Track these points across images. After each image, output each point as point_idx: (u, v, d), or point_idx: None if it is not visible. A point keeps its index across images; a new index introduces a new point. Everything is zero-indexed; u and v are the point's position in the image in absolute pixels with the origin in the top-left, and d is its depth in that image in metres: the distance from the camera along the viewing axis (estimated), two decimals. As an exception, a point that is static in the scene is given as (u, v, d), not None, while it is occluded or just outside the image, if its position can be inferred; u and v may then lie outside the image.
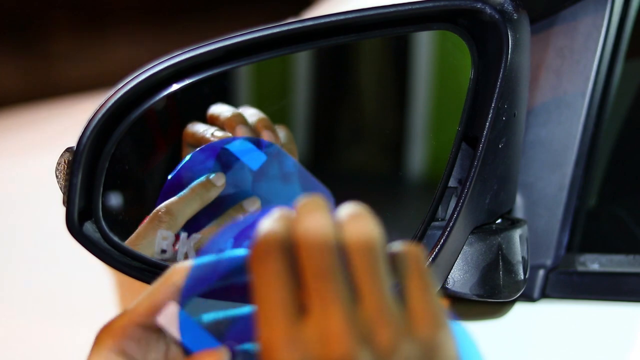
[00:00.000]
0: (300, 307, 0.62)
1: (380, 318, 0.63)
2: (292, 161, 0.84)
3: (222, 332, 0.72)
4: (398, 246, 0.65)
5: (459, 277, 0.85)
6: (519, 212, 0.97)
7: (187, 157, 0.85)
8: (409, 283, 0.65)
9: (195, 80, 0.80)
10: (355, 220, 0.65)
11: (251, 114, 0.90)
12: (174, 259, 0.83)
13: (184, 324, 0.72)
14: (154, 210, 0.83)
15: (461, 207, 0.82)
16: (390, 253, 0.65)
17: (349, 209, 0.65)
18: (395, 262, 0.65)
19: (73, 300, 1.27)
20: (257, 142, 0.87)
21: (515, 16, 0.83)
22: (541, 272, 0.94)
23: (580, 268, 0.95)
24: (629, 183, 1.09)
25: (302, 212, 0.64)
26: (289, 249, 0.63)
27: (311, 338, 0.62)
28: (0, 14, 4.17)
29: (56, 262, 1.30)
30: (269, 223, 0.64)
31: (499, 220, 0.88)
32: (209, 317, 0.72)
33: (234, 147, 0.86)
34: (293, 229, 0.64)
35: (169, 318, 0.72)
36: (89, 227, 0.81)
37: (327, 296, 0.62)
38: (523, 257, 0.87)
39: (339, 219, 0.65)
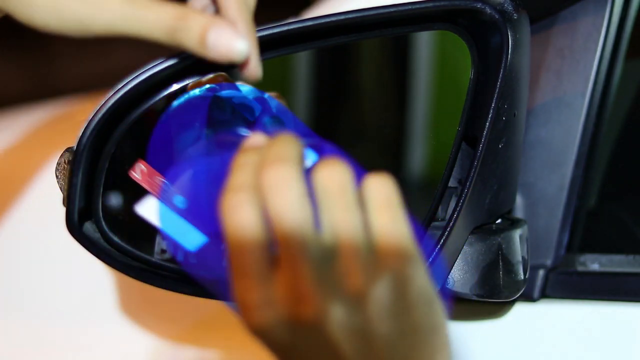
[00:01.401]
0: (272, 261, 0.61)
1: (350, 265, 0.60)
2: (291, 116, 0.82)
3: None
4: (366, 180, 0.63)
5: (459, 277, 0.85)
6: (519, 212, 0.97)
7: (178, 102, 0.80)
8: (375, 217, 0.62)
9: (195, 80, 0.80)
10: (324, 164, 0.62)
11: None
12: (174, 259, 0.83)
13: (163, 214, 0.72)
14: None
15: (461, 207, 0.82)
16: (359, 188, 0.63)
17: (322, 158, 0.64)
18: (363, 197, 0.62)
19: (73, 301, 1.27)
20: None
21: (515, 16, 0.83)
22: (541, 272, 0.94)
23: (580, 268, 0.95)
24: (629, 183, 1.09)
25: (271, 158, 0.62)
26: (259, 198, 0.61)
27: (282, 297, 0.60)
28: None
29: (56, 262, 1.30)
30: (238, 172, 0.62)
31: (499, 220, 0.88)
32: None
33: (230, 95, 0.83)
34: (260, 175, 0.61)
35: (149, 208, 0.73)
36: (89, 227, 0.81)
37: (294, 251, 0.60)
38: (523, 257, 0.87)
39: (309, 165, 0.63)
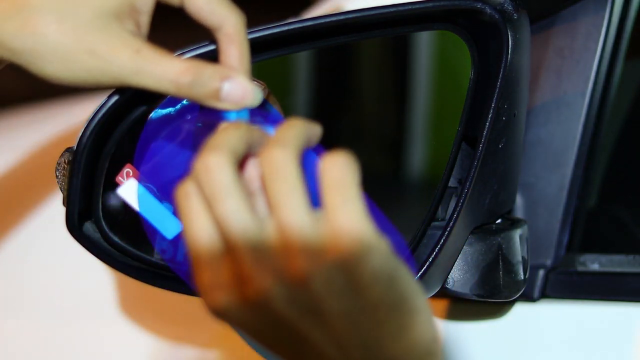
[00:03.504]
0: (221, 241, 0.62)
1: (288, 247, 0.61)
2: (276, 111, 0.82)
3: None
4: (322, 159, 0.62)
5: (459, 277, 0.85)
6: (519, 212, 0.97)
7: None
8: (326, 198, 0.61)
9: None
10: (266, 146, 0.63)
11: None
12: (174, 259, 0.83)
13: (142, 197, 0.73)
14: None
15: (461, 207, 0.82)
16: (319, 165, 0.62)
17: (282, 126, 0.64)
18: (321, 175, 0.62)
19: (73, 301, 1.27)
20: None
21: (515, 16, 0.83)
22: (541, 272, 0.94)
23: (580, 268, 0.95)
24: (629, 183, 1.09)
25: (208, 145, 0.63)
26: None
27: (229, 279, 0.62)
28: None
29: (56, 262, 1.30)
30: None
31: (499, 220, 0.88)
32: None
33: None
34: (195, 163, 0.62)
35: (129, 190, 0.74)
36: (89, 227, 0.81)
37: (231, 235, 0.61)
38: (523, 257, 0.87)
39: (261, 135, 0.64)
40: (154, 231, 0.74)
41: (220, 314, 0.63)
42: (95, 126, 0.77)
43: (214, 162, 0.61)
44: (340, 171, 0.61)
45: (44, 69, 0.71)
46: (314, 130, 0.66)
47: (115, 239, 0.82)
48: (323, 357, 0.63)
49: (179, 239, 0.74)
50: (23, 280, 1.32)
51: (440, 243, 0.82)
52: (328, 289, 0.61)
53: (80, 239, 0.81)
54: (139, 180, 0.75)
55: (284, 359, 0.65)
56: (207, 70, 0.69)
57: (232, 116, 0.70)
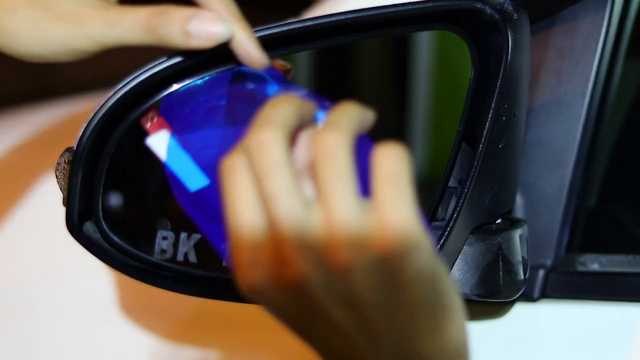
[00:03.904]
0: (265, 219, 0.61)
1: (332, 236, 0.60)
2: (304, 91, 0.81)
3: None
4: (376, 149, 0.61)
5: (459, 277, 0.85)
6: (519, 212, 0.97)
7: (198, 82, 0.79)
8: (377, 190, 0.60)
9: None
10: (322, 129, 0.62)
11: None
12: (174, 259, 0.83)
13: (171, 149, 0.72)
14: None
15: (461, 207, 0.82)
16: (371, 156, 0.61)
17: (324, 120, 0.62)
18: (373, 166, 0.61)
19: (73, 300, 1.27)
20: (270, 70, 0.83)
21: (515, 16, 0.83)
22: (541, 272, 0.94)
23: (580, 268, 0.95)
24: (629, 183, 1.09)
25: (260, 119, 0.61)
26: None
27: (269, 259, 0.61)
28: None
29: (56, 262, 1.30)
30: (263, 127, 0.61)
31: (499, 220, 0.88)
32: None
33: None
34: (248, 137, 0.61)
35: (159, 140, 0.74)
36: (89, 227, 0.81)
37: (277, 214, 0.60)
38: (523, 257, 0.87)
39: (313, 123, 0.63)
40: (178, 183, 0.73)
41: (254, 292, 0.62)
42: (95, 126, 0.77)
43: (268, 138, 0.60)
44: (394, 164, 0.60)
45: (16, 45, 0.71)
46: (367, 116, 0.64)
47: (115, 239, 0.82)
48: (352, 348, 0.63)
49: (202, 192, 0.73)
50: (23, 280, 1.32)
51: (440, 243, 0.82)
52: (368, 282, 0.60)
53: (80, 239, 0.81)
54: (161, 127, 0.75)
55: (310, 345, 0.64)
56: (173, 10, 0.70)
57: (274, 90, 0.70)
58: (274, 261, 0.61)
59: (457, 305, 0.63)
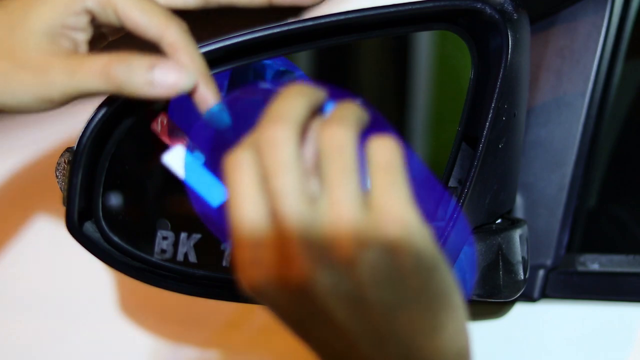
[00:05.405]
0: (270, 218, 0.60)
1: (338, 230, 0.59)
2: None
3: None
4: (370, 141, 0.61)
5: (459, 277, 0.85)
6: (519, 212, 0.97)
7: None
8: (373, 180, 0.60)
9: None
10: (327, 123, 0.61)
11: None
12: (174, 259, 0.83)
13: (189, 165, 0.71)
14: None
15: (461, 207, 0.82)
16: (364, 147, 0.61)
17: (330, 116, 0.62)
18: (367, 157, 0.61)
19: (73, 300, 1.27)
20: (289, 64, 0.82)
21: (515, 16, 0.83)
22: (541, 272, 0.94)
23: (580, 268, 0.95)
24: (629, 183, 1.09)
25: (269, 115, 0.61)
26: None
27: (272, 258, 0.60)
28: None
29: (56, 262, 1.30)
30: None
31: (499, 220, 0.88)
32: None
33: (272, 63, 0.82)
34: (257, 133, 0.61)
35: (176, 156, 0.72)
36: (89, 227, 0.81)
37: (282, 212, 0.59)
38: (523, 257, 0.87)
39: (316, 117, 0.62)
40: (199, 199, 0.72)
41: (256, 291, 0.61)
42: (95, 126, 0.77)
43: (280, 136, 0.60)
44: (388, 153, 0.61)
45: None
46: (366, 116, 0.64)
47: (115, 239, 0.82)
48: (355, 352, 0.62)
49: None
50: (22, 280, 1.32)
51: (440, 243, 0.82)
52: (372, 276, 0.60)
53: (80, 239, 0.81)
54: (172, 131, 0.74)
55: (312, 348, 0.64)
56: (135, 57, 0.69)
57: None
58: (277, 260, 0.60)
59: (457, 302, 0.63)
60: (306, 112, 0.61)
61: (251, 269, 0.61)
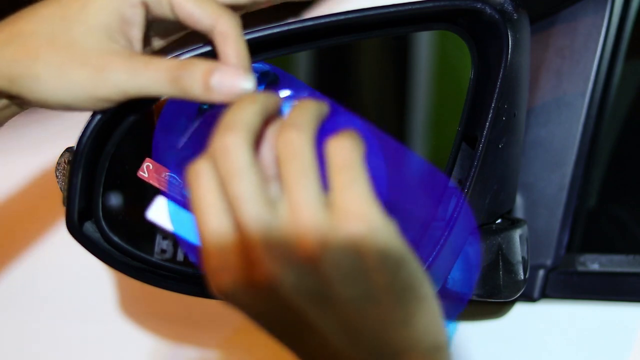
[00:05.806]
0: (232, 223, 0.62)
1: (299, 229, 0.60)
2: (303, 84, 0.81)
3: None
4: (328, 140, 0.62)
5: (459, 277, 0.85)
6: (519, 212, 0.97)
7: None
8: (333, 178, 0.61)
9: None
10: (283, 126, 0.62)
11: None
12: (174, 259, 0.83)
13: (173, 214, 0.72)
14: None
15: (461, 207, 0.82)
16: (324, 146, 0.62)
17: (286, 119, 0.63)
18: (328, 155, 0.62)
19: (73, 300, 1.27)
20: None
21: (515, 16, 0.83)
22: (541, 272, 0.94)
23: (580, 268, 0.95)
24: (629, 183, 1.09)
25: (223, 123, 0.62)
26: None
27: (238, 262, 0.61)
28: None
29: (56, 262, 1.30)
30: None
31: (499, 220, 0.88)
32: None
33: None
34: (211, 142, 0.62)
35: (159, 211, 0.73)
36: (89, 227, 0.81)
37: (243, 217, 0.60)
38: (523, 257, 0.87)
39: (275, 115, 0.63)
40: (191, 247, 0.73)
41: (226, 296, 0.62)
42: (95, 126, 0.77)
43: (231, 143, 0.61)
44: (346, 152, 0.61)
45: (39, 91, 0.71)
46: (324, 110, 0.65)
47: (115, 239, 0.82)
48: (327, 347, 0.63)
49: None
50: (22, 280, 1.32)
51: (440, 243, 0.82)
52: (337, 273, 0.60)
53: (80, 239, 0.81)
54: (159, 173, 0.75)
55: (286, 346, 0.64)
56: (196, 62, 0.69)
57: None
58: (243, 264, 0.61)
59: (427, 292, 0.63)
60: (258, 118, 0.63)
61: (219, 275, 0.62)
